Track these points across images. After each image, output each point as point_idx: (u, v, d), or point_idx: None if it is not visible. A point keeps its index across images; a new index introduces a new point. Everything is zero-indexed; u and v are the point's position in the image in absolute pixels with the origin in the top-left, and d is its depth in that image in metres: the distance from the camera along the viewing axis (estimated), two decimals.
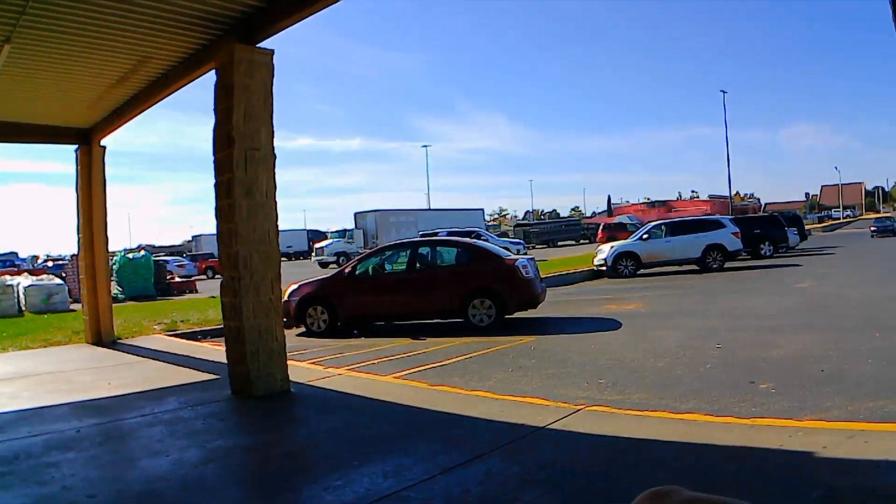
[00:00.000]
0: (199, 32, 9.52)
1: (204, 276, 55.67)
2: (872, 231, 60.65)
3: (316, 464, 6.28)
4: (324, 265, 55.32)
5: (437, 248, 18.20)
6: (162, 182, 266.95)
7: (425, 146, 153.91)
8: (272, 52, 9.41)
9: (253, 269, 9.06)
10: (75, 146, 15.16)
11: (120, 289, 31.45)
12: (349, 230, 66.92)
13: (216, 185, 9.33)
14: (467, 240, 21.20)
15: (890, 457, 4.93)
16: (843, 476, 4.76)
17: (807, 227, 62.55)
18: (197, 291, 36.78)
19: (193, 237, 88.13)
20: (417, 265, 17.30)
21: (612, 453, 5.96)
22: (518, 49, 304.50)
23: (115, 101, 13.02)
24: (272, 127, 9.42)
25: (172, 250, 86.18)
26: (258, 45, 9.27)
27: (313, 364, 11.57)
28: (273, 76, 9.46)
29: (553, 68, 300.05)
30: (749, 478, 5.01)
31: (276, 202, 9.43)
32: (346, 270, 17.60)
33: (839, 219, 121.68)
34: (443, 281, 16.67)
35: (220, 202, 9.27)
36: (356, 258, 19.18)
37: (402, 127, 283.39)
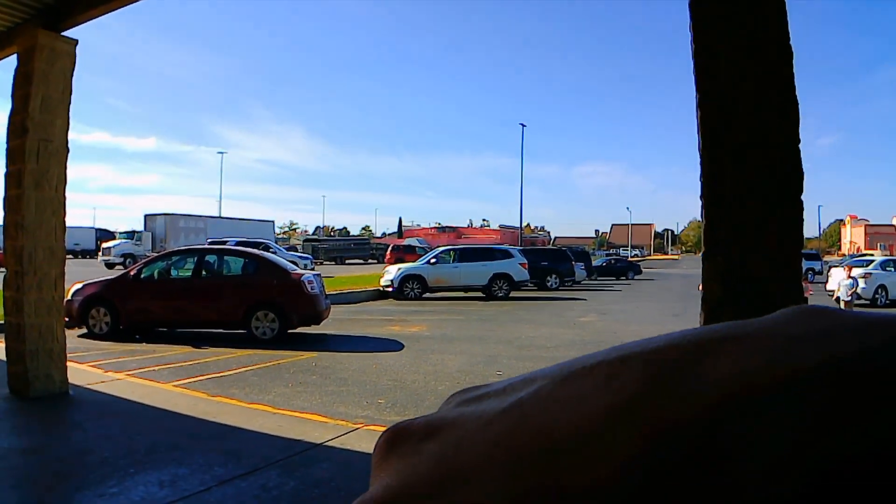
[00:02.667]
0: (5, 14, 9.26)
1: None
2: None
3: (92, 469, 6.24)
4: (110, 266, 53.37)
5: (225, 257, 17.98)
6: None
7: (221, 152, 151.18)
8: (76, 41, 9.30)
9: (37, 264, 8.89)
10: None
11: None
12: (138, 232, 64.80)
13: (6, 175, 9.10)
14: (255, 251, 21.07)
15: None
16: None
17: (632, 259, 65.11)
18: None
19: None
20: (203, 273, 17.10)
21: None
22: (321, 65, 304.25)
23: None
24: (68, 119, 9.29)
25: None
26: (62, 34, 9.12)
27: (93, 367, 11.33)
28: (74, 66, 9.35)
29: (355, 87, 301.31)
30: None
31: (65, 197, 9.28)
32: (132, 273, 17.16)
33: (627, 257, 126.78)
34: (228, 290, 16.53)
35: (8, 192, 9.05)
36: (143, 261, 18.77)
37: (200, 131, 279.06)
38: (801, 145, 3.98)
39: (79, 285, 16.60)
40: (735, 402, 0.29)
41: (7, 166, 9.08)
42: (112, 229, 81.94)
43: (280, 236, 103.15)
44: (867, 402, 0.27)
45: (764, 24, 3.99)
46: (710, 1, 4.10)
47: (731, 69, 4.02)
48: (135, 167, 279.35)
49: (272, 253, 27.22)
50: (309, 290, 16.19)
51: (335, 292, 25.74)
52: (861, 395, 0.28)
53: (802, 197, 3.98)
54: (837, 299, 29.32)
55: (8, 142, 9.09)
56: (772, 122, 4.00)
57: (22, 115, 8.86)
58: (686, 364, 0.32)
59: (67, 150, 9.26)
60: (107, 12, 9.08)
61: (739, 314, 3.99)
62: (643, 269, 62.09)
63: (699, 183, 4.15)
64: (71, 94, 9.30)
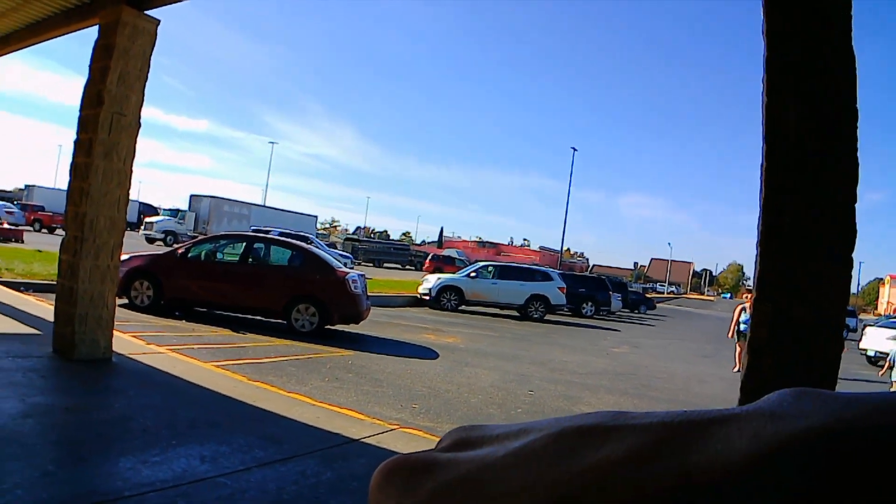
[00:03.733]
0: None
1: (31, 228, 53.51)
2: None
3: (134, 436, 6.34)
4: (150, 240, 53.89)
5: (272, 247, 18.15)
6: (2, 123, 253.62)
7: (272, 143, 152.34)
8: (158, 21, 9.47)
9: (97, 232, 9.04)
10: None
11: None
12: (182, 211, 65.46)
13: (76, 143, 9.25)
14: (303, 244, 21.17)
15: None
16: None
17: (649, 295, 64.72)
18: (23, 242, 35.31)
19: (26, 186, 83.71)
20: (250, 259, 17.29)
21: None
22: (379, 70, 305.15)
23: None
24: (143, 96, 9.44)
25: (2, 196, 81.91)
26: (145, 12, 9.29)
27: (135, 338, 11.47)
28: (154, 46, 9.51)
29: (410, 95, 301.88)
30: None
31: (132, 170, 9.43)
32: (180, 251, 17.39)
33: (663, 293, 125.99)
34: (272, 280, 16.70)
35: (77, 159, 9.20)
36: (191, 241, 18.98)
37: (252, 119, 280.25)
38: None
39: (125, 256, 16.79)
40: (710, 484, 0.32)
41: (78, 134, 9.24)
42: (155, 204, 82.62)
43: (320, 232, 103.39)
44: (836, 476, 0.30)
45: (836, 88, 4.03)
46: (785, 59, 4.14)
47: (800, 127, 4.06)
48: (183, 146, 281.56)
49: (316, 248, 27.37)
50: (352, 288, 16.31)
51: (373, 294, 25.82)
52: (831, 470, 0.30)
53: None
54: (868, 358, 29.01)
55: (81, 110, 9.25)
56: (833, 181, 4.03)
57: (99, 86, 9.03)
58: (674, 442, 0.35)
59: (139, 126, 9.43)
60: None
61: (781, 360, 4.05)
62: (657, 305, 61.47)
63: (756, 231, 4.19)
64: (148, 71, 9.46)
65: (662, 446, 0.35)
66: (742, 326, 18.38)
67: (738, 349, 18.79)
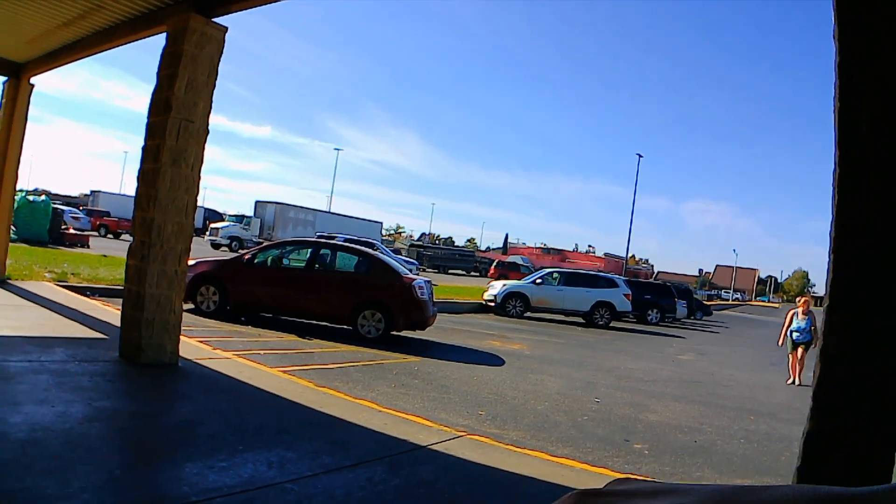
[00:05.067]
0: None
1: (96, 233, 54.46)
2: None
3: (201, 441, 6.32)
4: (216, 246, 54.65)
5: (339, 253, 18.22)
6: (67, 129, 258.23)
7: (337, 149, 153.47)
8: (226, 28, 9.49)
9: (164, 237, 9.07)
10: (4, 78, 14.87)
11: (14, 229, 30.57)
12: (247, 217, 66.13)
13: (144, 149, 9.31)
14: (369, 250, 21.22)
15: None
16: None
17: (706, 302, 64.06)
18: (89, 246, 35.91)
19: (91, 192, 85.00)
20: (316, 265, 17.37)
21: (489, 482, 6.19)
22: (443, 74, 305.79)
23: (57, 43, 12.82)
24: (211, 103, 9.47)
25: (68, 201, 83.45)
26: (212, 20, 9.31)
27: (201, 343, 11.51)
28: (221, 53, 9.53)
29: (474, 99, 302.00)
30: None
31: (200, 177, 9.46)
32: (246, 257, 17.51)
33: (728, 300, 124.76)
34: (338, 286, 16.73)
35: (144, 165, 9.25)
36: (258, 247, 19.13)
37: (315, 126, 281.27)
38: None
39: (191, 261, 16.91)
40: None
41: (146, 141, 9.29)
42: (220, 210, 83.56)
43: (385, 238, 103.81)
44: None
45: None
46: (857, 62, 3.98)
47: (873, 131, 3.90)
48: (248, 153, 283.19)
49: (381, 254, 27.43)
50: (419, 294, 16.27)
51: (438, 300, 25.80)
52: None
53: None
54: None
55: (149, 117, 9.30)
56: None
57: (167, 93, 9.07)
58: None
59: (207, 133, 9.46)
60: (259, 5, 9.27)
61: (855, 370, 3.88)
62: (719, 312, 60.62)
63: (828, 237, 4.03)
64: (216, 79, 9.48)
65: None
66: (795, 335, 17.68)
67: (791, 359, 17.83)
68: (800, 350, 17.44)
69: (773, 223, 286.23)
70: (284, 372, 10.39)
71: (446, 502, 5.44)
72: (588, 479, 6.63)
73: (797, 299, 19.67)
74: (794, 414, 12.06)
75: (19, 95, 14.78)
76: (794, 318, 17.86)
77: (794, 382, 17.28)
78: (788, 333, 17.91)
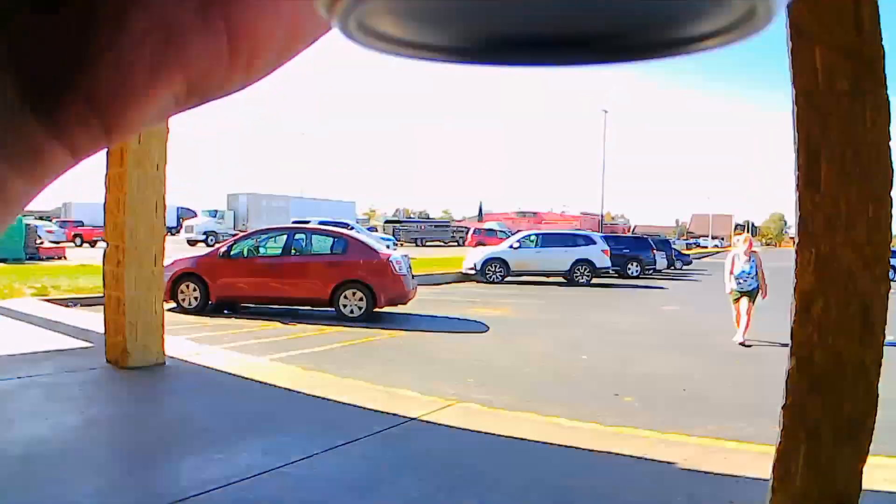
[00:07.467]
0: None
1: (72, 244, 54.12)
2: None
3: (195, 436, 6.40)
4: (192, 243, 54.29)
5: (313, 236, 18.30)
6: None
7: (303, 133, 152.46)
8: None
9: (138, 240, 9.08)
10: None
11: None
12: (220, 210, 65.84)
13: (108, 154, 9.27)
14: (343, 230, 21.25)
15: (747, 473, 5.29)
16: (704, 486, 5.15)
17: (685, 252, 64.12)
18: (66, 258, 35.70)
19: (63, 203, 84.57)
20: (293, 251, 17.36)
21: (481, 448, 6.30)
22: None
23: None
24: None
25: (41, 215, 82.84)
26: None
27: (187, 340, 11.57)
28: None
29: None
30: (615, 481, 5.38)
31: (166, 176, 9.46)
32: (222, 250, 17.53)
33: (707, 247, 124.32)
34: (316, 269, 16.78)
35: (110, 171, 9.22)
36: (232, 238, 19.16)
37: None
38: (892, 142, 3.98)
39: (168, 261, 16.89)
40: None
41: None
42: (193, 207, 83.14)
43: (360, 217, 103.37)
44: None
45: (859, 25, 3.97)
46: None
47: (827, 67, 3.99)
48: (216, 145, 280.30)
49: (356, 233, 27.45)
50: (397, 270, 16.31)
51: (418, 274, 25.77)
52: None
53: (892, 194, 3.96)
54: None
55: None
56: (865, 121, 3.98)
57: None
58: None
59: (168, 131, 9.44)
60: None
61: (828, 304, 3.99)
62: (693, 261, 60.66)
63: (794, 177, 4.12)
64: None
65: None
66: (737, 283, 14.40)
67: (735, 309, 14.63)
68: (744, 300, 14.28)
69: (744, 166, 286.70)
70: (272, 360, 10.47)
71: (441, 470, 5.55)
72: (580, 436, 6.74)
73: (735, 240, 16.24)
74: (781, 355, 12.10)
75: None
76: (735, 260, 14.64)
77: (739, 340, 14.09)
78: (731, 280, 14.61)
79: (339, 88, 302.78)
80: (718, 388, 9.99)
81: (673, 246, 54.67)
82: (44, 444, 5.79)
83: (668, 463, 5.72)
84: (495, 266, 30.09)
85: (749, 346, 13.56)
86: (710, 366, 11.88)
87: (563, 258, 30.47)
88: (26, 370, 8.55)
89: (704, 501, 4.90)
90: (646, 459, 5.85)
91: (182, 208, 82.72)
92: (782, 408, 4.13)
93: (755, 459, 5.45)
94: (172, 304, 16.27)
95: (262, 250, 17.73)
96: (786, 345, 4.19)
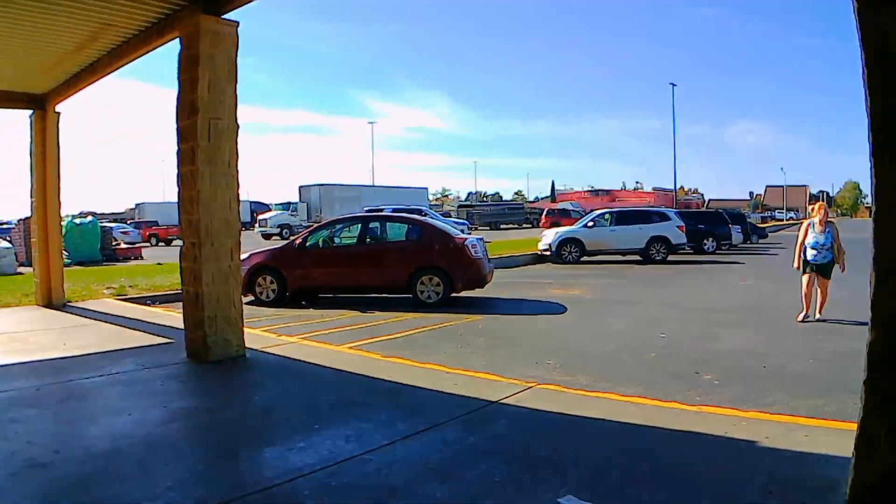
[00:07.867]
0: (163, 1, 9.53)
1: (147, 244, 55.25)
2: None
3: (277, 426, 6.42)
4: (266, 237, 55.09)
5: (388, 224, 18.38)
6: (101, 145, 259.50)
7: (371, 122, 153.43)
8: (237, 23, 9.47)
9: (213, 235, 9.17)
10: (30, 111, 15.07)
11: (66, 253, 31.04)
12: (293, 203, 66.37)
13: (179, 153, 9.39)
14: (418, 216, 21.31)
15: (829, 451, 5.15)
16: (785, 465, 5.01)
17: (760, 225, 62.92)
18: (142, 258, 36.59)
19: (136, 205, 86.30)
20: (367, 239, 17.46)
21: (562, 429, 6.20)
22: (463, 31, 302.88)
23: (74, 68, 12.93)
24: (236, 97, 9.50)
25: (116, 217, 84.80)
26: (223, 17, 9.34)
27: (266, 332, 11.70)
28: (237, 48, 9.53)
29: (494, 55, 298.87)
30: (694, 460, 5.27)
31: (238, 171, 9.53)
32: (297, 242, 17.72)
33: (782, 220, 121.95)
34: (392, 256, 16.88)
35: (182, 169, 9.34)
36: (307, 230, 19.30)
37: (344, 102, 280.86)
38: None
39: (244, 255, 17.10)
40: None
41: (178, 145, 9.37)
42: (266, 202, 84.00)
43: (433, 203, 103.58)
44: None
45: None
46: None
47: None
48: (285, 139, 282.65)
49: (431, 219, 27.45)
50: (473, 254, 16.32)
51: (494, 257, 25.73)
52: None
53: None
54: None
55: (178, 121, 9.37)
56: None
57: (191, 95, 9.13)
58: None
59: (237, 127, 9.51)
60: None
61: None
62: (769, 234, 59.24)
63: (867, 143, 3.93)
64: (236, 73, 9.50)
65: None
66: (811, 254, 13.25)
67: (804, 285, 13.39)
68: (815, 276, 13.25)
69: (819, 136, 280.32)
70: (351, 348, 10.54)
71: (522, 453, 5.48)
72: (659, 415, 6.63)
73: (809, 209, 14.55)
74: (859, 331, 11.77)
75: (47, 126, 14.95)
76: (811, 230, 13.42)
77: (806, 318, 13.26)
78: (802, 252, 13.48)
79: None
80: (798, 364, 9.71)
81: (748, 219, 53.85)
82: (127, 439, 5.87)
83: (749, 441, 5.58)
84: (570, 246, 30.02)
85: (825, 321, 13.04)
86: (789, 341, 11.55)
87: (638, 236, 30.16)
88: (109, 368, 8.73)
89: (786, 480, 4.77)
90: (726, 438, 5.72)
91: (255, 202, 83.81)
92: (863, 383, 3.99)
93: (837, 437, 5.34)
94: (250, 298, 16.50)
95: (336, 240, 17.92)
96: (864, 323, 4.05)
